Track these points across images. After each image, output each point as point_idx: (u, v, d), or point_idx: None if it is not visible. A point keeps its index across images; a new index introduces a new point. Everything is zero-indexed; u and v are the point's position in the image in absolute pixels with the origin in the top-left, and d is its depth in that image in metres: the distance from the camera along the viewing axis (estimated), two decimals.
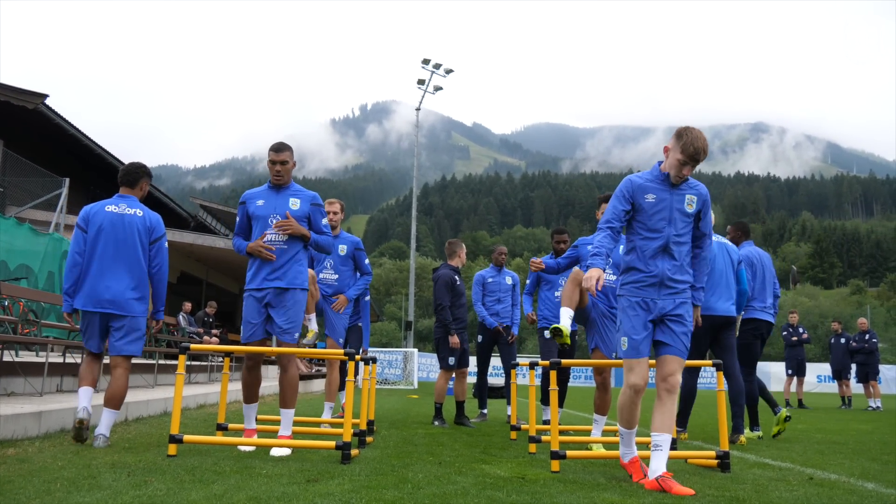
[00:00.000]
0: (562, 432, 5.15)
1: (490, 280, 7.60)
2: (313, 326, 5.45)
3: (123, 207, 4.62)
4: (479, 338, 7.65)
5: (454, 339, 7.03)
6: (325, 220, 4.69)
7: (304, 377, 16.43)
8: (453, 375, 7.33)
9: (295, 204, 4.57)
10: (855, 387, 14.73)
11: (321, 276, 6.13)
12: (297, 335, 4.55)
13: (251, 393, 4.66)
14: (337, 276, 6.15)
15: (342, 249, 6.21)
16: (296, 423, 5.86)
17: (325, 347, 6.25)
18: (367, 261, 6.34)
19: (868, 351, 13.93)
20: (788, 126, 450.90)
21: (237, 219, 4.73)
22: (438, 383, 7.20)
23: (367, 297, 7.55)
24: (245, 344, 4.52)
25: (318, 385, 15.49)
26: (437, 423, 6.97)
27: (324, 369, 9.17)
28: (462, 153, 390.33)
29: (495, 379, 21.90)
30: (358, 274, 6.37)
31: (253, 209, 4.60)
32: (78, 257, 4.53)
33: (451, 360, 7.12)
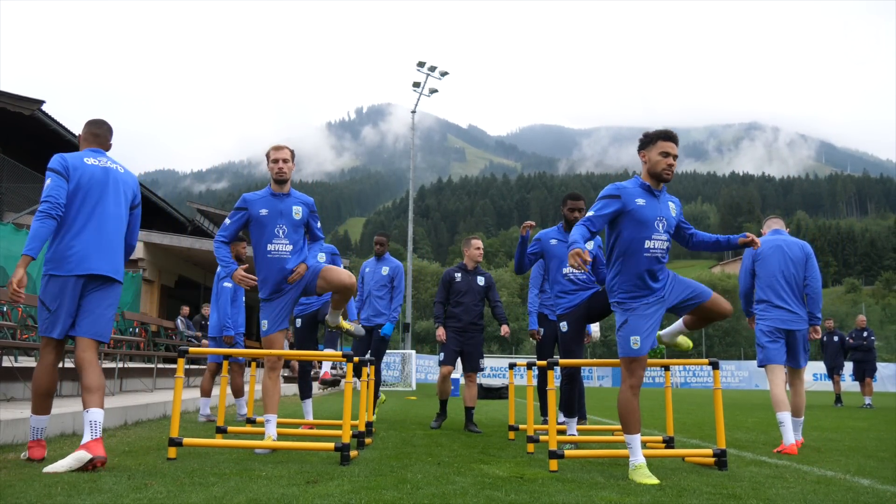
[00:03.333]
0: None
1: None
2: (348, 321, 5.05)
3: None
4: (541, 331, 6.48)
5: (439, 332, 6.90)
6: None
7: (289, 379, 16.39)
8: (456, 376, 7.11)
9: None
10: (850, 385, 14.75)
11: (269, 247, 4.65)
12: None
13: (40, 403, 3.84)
14: (291, 247, 4.68)
15: (297, 212, 4.72)
16: (290, 425, 5.88)
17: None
18: (319, 224, 4.94)
19: (866, 348, 13.97)
20: (782, 125, 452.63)
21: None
22: (438, 381, 7.17)
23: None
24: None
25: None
26: (433, 424, 6.91)
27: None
28: (458, 155, 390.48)
29: (491, 380, 21.95)
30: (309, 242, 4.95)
31: None
32: None
33: (441, 356, 6.92)
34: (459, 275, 6.98)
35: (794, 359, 5.46)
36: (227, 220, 4.69)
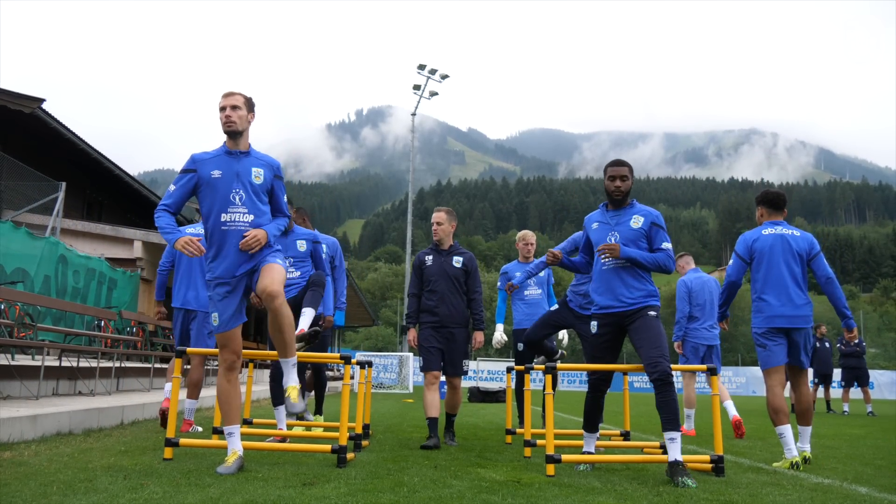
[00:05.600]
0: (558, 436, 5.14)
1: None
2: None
3: None
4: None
5: (409, 335, 5.74)
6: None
7: None
8: (441, 381, 5.67)
9: None
10: (835, 392, 14.69)
11: (223, 217, 3.80)
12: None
13: None
14: (252, 217, 3.82)
15: (257, 175, 3.88)
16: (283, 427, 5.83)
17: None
18: (285, 197, 4.08)
19: (859, 355, 13.98)
20: (781, 131, 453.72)
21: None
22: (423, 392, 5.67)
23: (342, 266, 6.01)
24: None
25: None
26: (426, 443, 5.25)
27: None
28: (457, 158, 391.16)
29: (489, 383, 21.97)
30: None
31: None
32: None
33: (420, 362, 5.68)
34: (431, 257, 5.61)
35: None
36: (172, 186, 3.83)
